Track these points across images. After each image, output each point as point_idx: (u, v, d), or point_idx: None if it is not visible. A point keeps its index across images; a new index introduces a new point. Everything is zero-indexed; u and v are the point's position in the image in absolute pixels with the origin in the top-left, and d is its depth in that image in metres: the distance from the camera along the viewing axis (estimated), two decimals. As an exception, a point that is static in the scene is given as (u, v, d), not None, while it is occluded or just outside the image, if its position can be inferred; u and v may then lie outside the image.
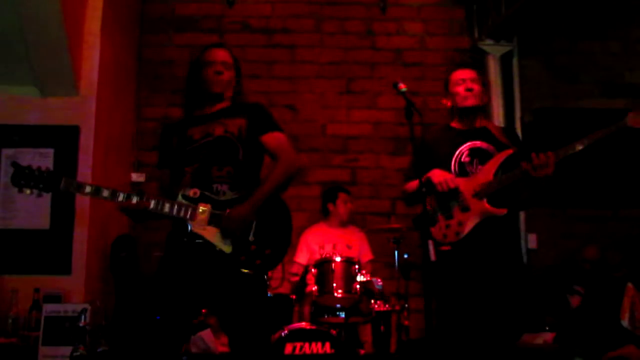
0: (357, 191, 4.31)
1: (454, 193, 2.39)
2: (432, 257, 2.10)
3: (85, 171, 3.46)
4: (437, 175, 2.41)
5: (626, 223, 4.43)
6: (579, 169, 4.38)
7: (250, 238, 2.05)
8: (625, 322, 3.10)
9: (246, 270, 2.03)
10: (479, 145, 2.47)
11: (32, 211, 3.37)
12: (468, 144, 2.48)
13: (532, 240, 4.40)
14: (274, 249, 2.08)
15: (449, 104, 2.59)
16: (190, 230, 2.02)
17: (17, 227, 3.37)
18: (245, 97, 2.30)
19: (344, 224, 3.93)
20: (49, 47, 3.28)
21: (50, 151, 3.46)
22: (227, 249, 2.02)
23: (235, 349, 2.06)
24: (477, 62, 4.58)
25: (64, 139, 3.48)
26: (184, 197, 2.04)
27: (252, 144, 2.17)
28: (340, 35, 4.68)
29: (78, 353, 2.32)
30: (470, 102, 2.49)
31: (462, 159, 2.46)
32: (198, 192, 2.04)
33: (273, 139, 2.18)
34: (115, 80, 3.96)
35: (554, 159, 2.28)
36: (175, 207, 2.02)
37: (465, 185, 2.40)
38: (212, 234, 2.02)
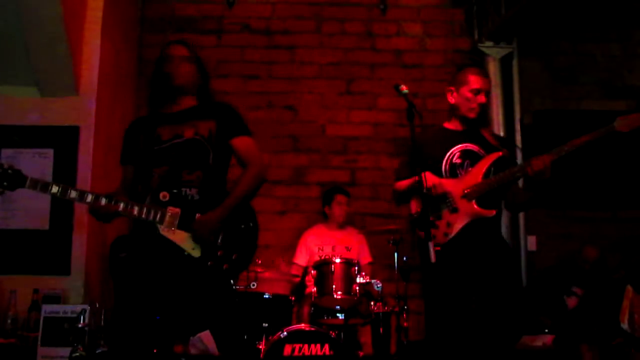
0: (356, 192, 4.31)
1: (443, 195, 2.41)
2: (432, 258, 2.10)
3: (84, 171, 3.46)
4: (428, 179, 2.39)
5: (625, 225, 4.44)
6: (578, 171, 4.38)
7: (218, 243, 2.05)
8: (624, 325, 3.10)
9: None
10: (470, 147, 2.48)
11: (32, 212, 3.37)
12: (460, 145, 2.48)
13: (531, 242, 4.40)
14: (241, 253, 2.09)
15: (453, 101, 2.55)
16: (159, 234, 2.02)
17: (17, 228, 3.36)
18: (213, 96, 2.29)
19: (341, 226, 3.93)
20: (49, 48, 3.28)
21: (50, 151, 3.45)
22: (195, 253, 2.03)
23: (221, 350, 2.09)
24: (477, 64, 4.58)
25: (63, 139, 3.47)
26: (153, 199, 2.04)
27: (222, 147, 2.17)
28: (340, 36, 4.68)
29: (77, 354, 2.32)
30: (474, 115, 2.49)
31: (454, 160, 2.47)
32: (167, 195, 2.04)
33: (243, 143, 2.19)
34: (115, 81, 3.96)
35: (549, 162, 2.29)
36: (145, 210, 2.02)
37: (454, 187, 2.40)
38: (181, 238, 2.03)
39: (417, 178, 2.37)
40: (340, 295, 3.21)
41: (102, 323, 2.75)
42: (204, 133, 2.14)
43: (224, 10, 4.65)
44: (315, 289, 3.30)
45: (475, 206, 2.37)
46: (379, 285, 3.33)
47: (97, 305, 2.87)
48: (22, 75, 3.40)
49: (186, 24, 4.61)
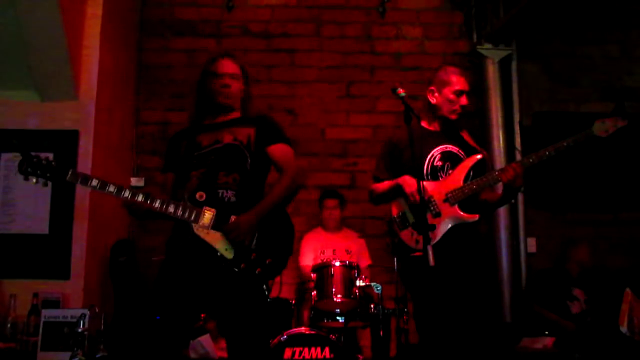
0: (356, 195, 4.31)
1: (427, 199, 2.38)
2: (431, 262, 2.09)
3: (84, 176, 3.46)
4: (408, 185, 2.36)
5: (626, 227, 4.43)
6: (579, 173, 4.39)
7: (252, 246, 2.05)
8: (623, 328, 3.09)
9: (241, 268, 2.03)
10: (450, 149, 2.46)
11: (32, 216, 3.37)
12: (440, 147, 2.45)
13: (531, 245, 4.39)
14: (275, 258, 2.08)
15: (434, 101, 2.51)
16: (193, 233, 2.02)
17: (16, 232, 3.37)
18: (253, 103, 2.32)
19: (337, 229, 3.93)
20: (48, 52, 3.28)
21: (50, 155, 3.41)
22: (228, 255, 2.02)
23: (232, 355, 2.06)
24: (476, 66, 4.60)
25: (63, 143, 3.47)
26: (190, 199, 2.05)
27: (260, 154, 2.19)
28: (340, 39, 4.69)
29: (77, 358, 2.32)
30: (455, 116, 2.48)
31: (435, 163, 2.44)
32: (204, 195, 2.05)
33: (280, 150, 2.21)
34: (115, 85, 3.97)
35: (521, 170, 2.31)
36: (180, 208, 2.02)
37: (436, 190, 2.39)
38: (214, 239, 2.03)
39: (395, 181, 2.39)
40: (340, 298, 3.21)
41: (102, 327, 2.75)
42: (243, 139, 2.17)
43: (223, 13, 4.66)
44: (315, 292, 3.29)
45: (459, 210, 2.35)
46: (378, 288, 3.32)
47: (97, 310, 2.87)
48: (22, 79, 3.41)
49: (185, 27, 4.62)
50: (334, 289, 3.22)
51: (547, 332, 3.44)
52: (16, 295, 3.17)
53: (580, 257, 3.81)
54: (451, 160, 2.44)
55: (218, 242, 2.02)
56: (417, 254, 2.30)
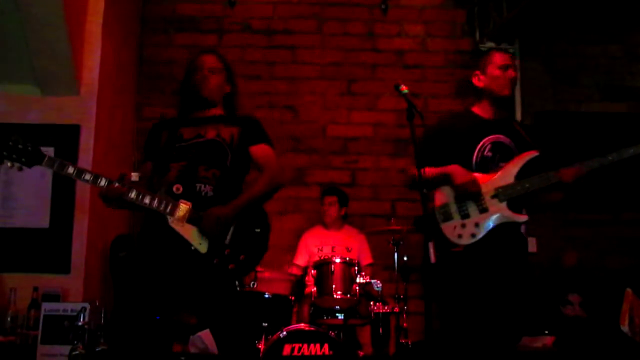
0: (357, 193, 4.30)
1: (477, 192, 2.25)
2: (432, 259, 2.08)
3: (85, 170, 3.46)
4: (460, 175, 2.24)
5: (627, 227, 4.43)
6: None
7: (227, 242, 2.05)
8: (624, 328, 3.08)
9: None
10: (502, 139, 2.33)
11: (32, 210, 3.37)
12: (491, 136, 2.31)
13: (531, 244, 4.38)
14: (249, 255, 2.09)
15: (481, 84, 2.40)
16: (168, 225, 2.02)
17: (17, 226, 3.37)
18: (239, 102, 2.32)
19: (337, 226, 3.93)
20: (50, 47, 3.28)
21: (51, 150, 3.44)
22: (202, 249, 2.03)
23: (220, 350, 2.08)
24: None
25: (64, 138, 3.47)
26: (167, 191, 2.05)
27: (241, 152, 2.19)
28: (342, 36, 4.68)
29: (77, 352, 2.32)
30: (508, 91, 2.36)
31: (485, 153, 2.30)
32: (181, 188, 2.05)
33: (261, 150, 2.22)
34: (116, 80, 3.96)
35: (585, 172, 2.26)
36: (156, 200, 2.02)
37: (485, 184, 2.25)
38: (189, 232, 2.03)
39: (445, 170, 2.23)
40: (340, 295, 3.21)
41: (102, 321, 2.75)
42: (226, 137, 2.17)
43: (225, 9, 4.65)
44: (315, 289, 3.29)
45: (508, 209, 2.23)
46: (378, 286, 3.32)
47: (97, 304, 2.87)
48: (24, 73, 3.41)
49: (187, 23, 4.61)
50: (334, 286, 3.22)
51: (546, 332, 3.45)
52: (16, 289, 3.17)
53: (569, 264, 3.85)
54: (502, 152, 2.30)
55: (192, 235, 2.02)
56: (457, 249, 2.22)
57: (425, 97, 4.37)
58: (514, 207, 2.27)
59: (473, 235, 2.23)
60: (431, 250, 2.07)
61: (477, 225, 2.24)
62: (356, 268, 3.30)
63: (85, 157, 3.47)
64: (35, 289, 3.16)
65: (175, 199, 2.04)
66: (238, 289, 2.12)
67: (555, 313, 3.63)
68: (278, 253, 3.93)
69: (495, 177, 2.27)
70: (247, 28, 4.65)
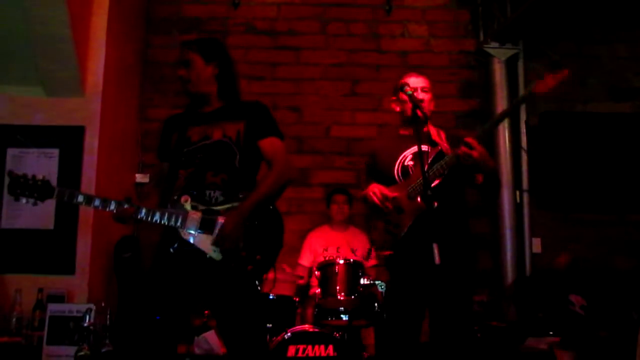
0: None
1: (397, 206, 2.40)
2: (437, 260, 2.08)
3: (89, 171, 3.47)
4: (372, 194, 2.42)
5: (632, 228, 4.40)
6: (584, 173, 4.36)
7: (240, 245, 2.03)
8: None
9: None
10: (423, 149, 2.41)
11: (37, 211, 3.33)
12: (412, 149, 2.45)
13: (536, 245, 4.38)
14: (265, 254, 2.07)
15: (398, 109, 2.55)
16: (181, 237, 2.02)
17: (22, 227, 3.38)
18: (235, 81, 2.26)
19: (343, 227, 3.93)
20: (54, 48, 3.29)
21: (56, 151, 3.46)
22: (217, 256, 2.02)
23: (231, 352, 2.06)
24: (482, 65, 4.58)
25: (69, 139, 3.48)
26: (176, 202, 2.05)
27: (250, 148, 2.16)
28: (345, 37, 4.68)
29: (82, 353, 2.32)
30: (421, 112, 2.43)
31: (406, 163, 2.46)
32: (189, 199, 2.05)
33: (270, 145, 2.17)
34: (120, 81, 3.97)
35: (475, 141, 2.28)
36: (166, 215, 2.03)
37: (402, 189, 2.41)
38: (202, 242, 2.02)
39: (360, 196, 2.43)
40: (344, 296, 3.20)
41: (108, 322, 2.76)
42: (232, 135, 2.13)
43: (229, 11, 4.65)
44: (319, 290, 3.29)
45: (419, 202, 2.35)
46: (382, 287, 3.31)
47: (103, 305, 2.88)
48: (28, 75, 3.42)
49: (191, 24, 4.62)
50: (338, 287, 3.21)
51: (551, 332, 3.43)
52: (21, 290, 3.18)
53: (561, 266, 3.89)
54: (423, 159, 2.41)
55: (206, 244, 2.02)
56: (387, 252, 2.42)
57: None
58: (432, 199, 2.30)
59: (395, 237, 2.38)
60: (435, 252, 2.07)
61: (396, 226, 2.39)
62: (360, 269, 3.29)
63: (90, 158, 3.48)
64: (40, 290, 3.17)
65: (185, 210, 2.04)
66: (259, 288, 2.10)
67: (559, 313, 3.61)
68: (282, 253, 3.94)
69: (408, 181, 2.43)
70: (250, 29, 4.66)
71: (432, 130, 2.53)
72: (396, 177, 2.45)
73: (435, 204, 2.29)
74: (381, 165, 2.52)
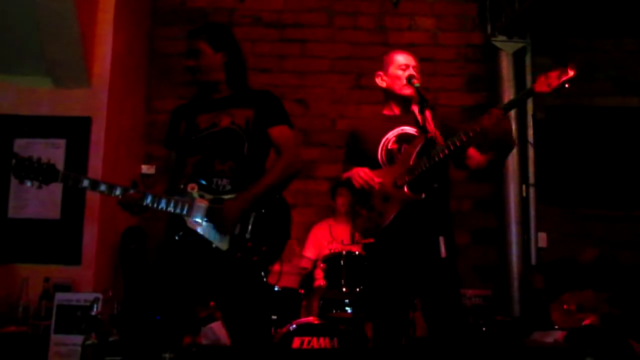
0: (366, 187, 4.29)
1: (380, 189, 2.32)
2: (443, 253, 2.07)
3: (96, 162, 3.48)
4: (358, 178, 2.32)
5: (638, 223, 4.39)
6: (591, 169, 4.35)
7: (247, 234, 2.02)
8: None
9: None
10: (406, 131, 2.37)
11: (43, 201, 3.40)
12: (395, 130, 2.37)
13: (542, 239, 4.37)
14: (271, 245, 2.05)
15: (384, 85, 2.47)
16: (187, 226, 2.01)
17: (29, 217, 3.40)
18: (244, 69, 2.25)
19: (349, 219, 3.92)
20: (62, 39, 3.29)
21: (62, 142, 3.48)
22: (223, 246, 2.00)
23: (236, 343, 2.06)
24: (490, 59, 4.55)
25: (75, 130, 3.49)
26: (183, 190, 2.04)
27: (259, 136, 2.14)
28: (352, 30, 4.66)
29: (90, 342, 2.33)
30: (410, 91, 2.37)
31: (389, 147, 2.36)
32: (196, 187, 2.03)
33: (279, 133, 2.15)
34: (127, 72, 3.97)
35: (501, 114, 2.17)
36: (172, 203, 2.01)
37: (387, 176, 2.31)
38: (208, 231, 2.01)
39: (344, 178, 2.37)
40: (349, 289, 3.20)
41: (115, 312, 2.77)
42: (241, 122, 2.11)
43: (236, 3, 4.64)
44: (324, 282, 3.29)
45: (406, 191, 2.26)
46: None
47: (110, 294, 2.89)
48: (35, 66, 3.42)
49: (197, 16, 4.60)
50: (342, 280, 3.22)
51: (556, 327, 3.43)
52: (28, 279, 3.21)
53: (587, 260, 3.83)
54: (407, 142, 2.34)
55: (212, 233, 2.00)
56: (368, 240, 2.35)
57: (435, 91, 4.34)
58: (417, 189, 2.26)
59: (377, 226, 2.30)
60: (442, 245, 2.07)
61: (380, 214, 2.30)
62: (365, 262, 3.29)
63: (96, 149, 3.49)
64: (47, 279, 3.19)
65: (192, 198, 2.03)
66: (265, 279, 2.08)
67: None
68: (287, 246, 3.95)
69: (394, 167, 2.33)
70: (257, 21, 4.64)
71: (426, 110, 2.38)
72: (380, 160, 2.36)
73: (424, 195, 2.24)
74: (363, 146, 2.43)
